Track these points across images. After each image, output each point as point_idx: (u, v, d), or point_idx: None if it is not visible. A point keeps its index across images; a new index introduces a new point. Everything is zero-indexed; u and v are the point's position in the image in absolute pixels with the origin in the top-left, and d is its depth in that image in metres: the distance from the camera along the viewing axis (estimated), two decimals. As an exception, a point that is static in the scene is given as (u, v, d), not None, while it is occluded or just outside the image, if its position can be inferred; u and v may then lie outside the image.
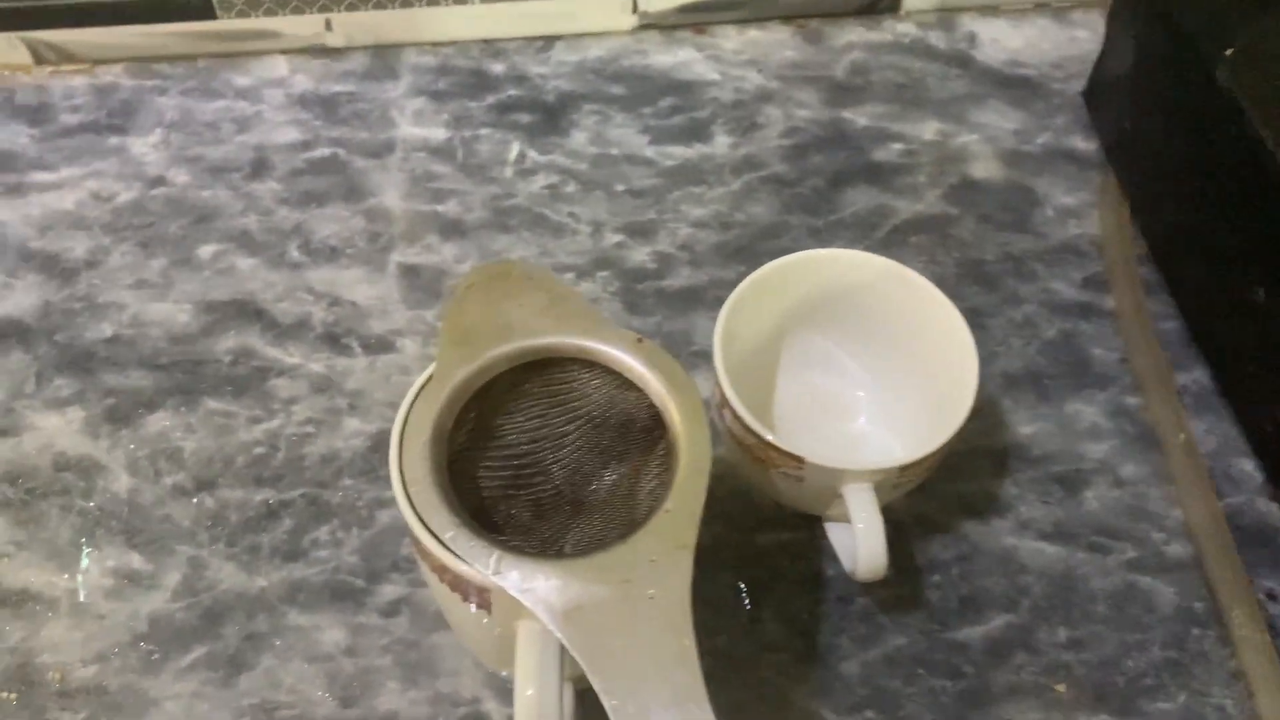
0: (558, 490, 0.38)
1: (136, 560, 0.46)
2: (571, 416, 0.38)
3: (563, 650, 0.33)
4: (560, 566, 0.32)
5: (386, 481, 0.47)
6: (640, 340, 0.37)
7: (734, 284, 0.50)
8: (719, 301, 0.53)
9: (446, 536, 0.33)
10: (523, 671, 0.33)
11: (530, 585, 0.32)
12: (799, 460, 0.41)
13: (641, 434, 0.37)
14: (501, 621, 0.34)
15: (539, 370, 0.38)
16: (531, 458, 0.38)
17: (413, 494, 0.34)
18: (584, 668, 0.31)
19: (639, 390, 0.37)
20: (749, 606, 0.45)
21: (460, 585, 0.34)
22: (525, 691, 0.33)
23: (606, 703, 0.30)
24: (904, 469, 0.41)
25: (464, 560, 0.32)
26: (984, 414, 0.51)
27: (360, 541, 0.46)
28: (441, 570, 0.34)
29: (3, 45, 0.60)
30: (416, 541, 0.34)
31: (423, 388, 0.36)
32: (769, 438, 0.41)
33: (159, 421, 0.49)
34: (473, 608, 0.34)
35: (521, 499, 0.37)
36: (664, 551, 0.33)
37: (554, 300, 0.38)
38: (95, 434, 0.49)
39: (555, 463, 0.38)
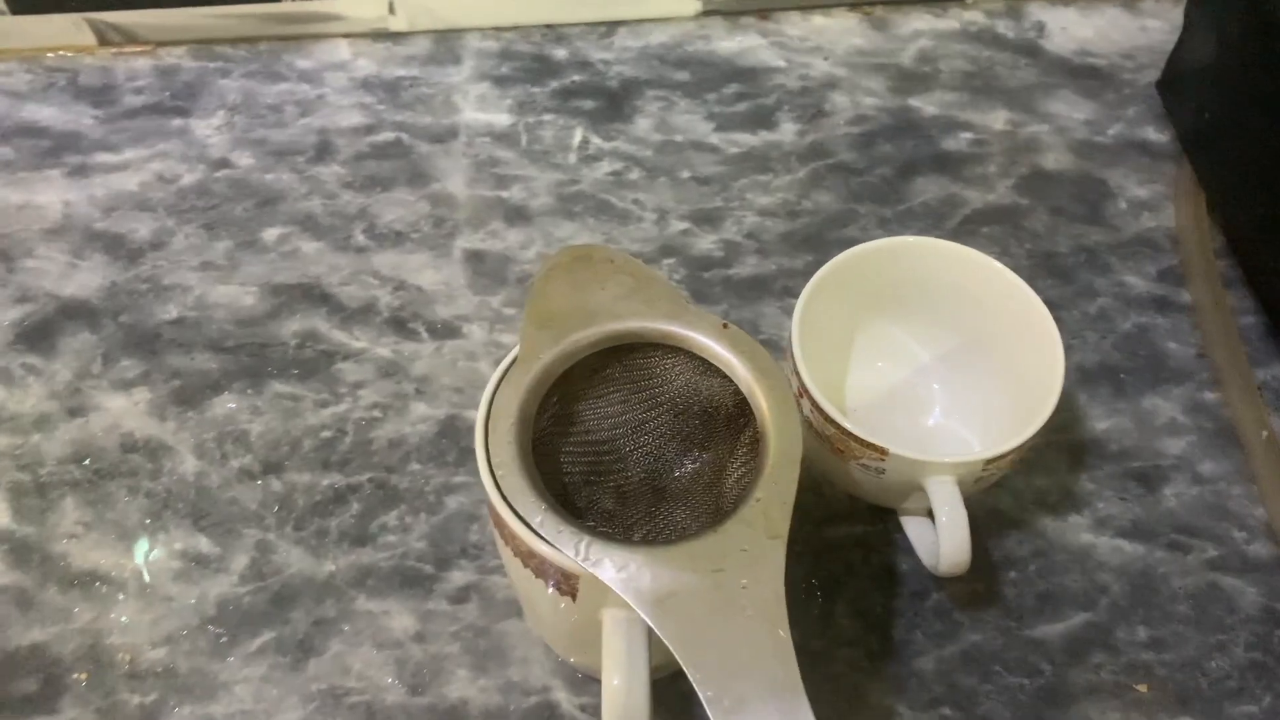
0: (639, 478, 0.37)
1: (204, 543, 0.45)
2: (653, 403, 0.37)
3: (648, 639, 0.33)
4: (650, 554, 0.32)
5: (455, 467, 0.47)
6: (726, 325, 0.36)
7: (802, 273, 0.49)
8: (787, 291, 0.53)
9: (535, 521, 0.32)
10: (610, 660, 0.33)
11: (621, 572, 0.31)
12: (881, 451, 0.40)
13: (726, 422, 0.37)
14: (585, 609, 0.34)
15: (621, 356, 0.37)
16: (613, 444, 0.37)
17: (499, 478, 0.33)
18: (678, 657, 0.30)
19: (724, 377, 0.36)
20: (820, 600, 0.45)
21: (545, 571, 0.33)
22: (612, 681, 0.32)
23: (702, 693, 0.30)
24: (989, 461, 0.40)
25: (553, 546, 0.32)
26: (1059, 408, 0.49)
27: (429, 527, 0.46)
28: (527, 555, 0.33)
29: (67, 26, 0.60)
30: (502, 526, 0.33)
31: (506, 371, 0.35)
32: (851, 428, 0.40)
33: (225, 404, 0.49)
34: (556, 594, 0.34)
35: (603, 485, 0.37)
36: (756, 541, 0.32)
37: (638, 284, 0.37)
38: (162, 415, 0.49)
39: (636, 449, 0.37)
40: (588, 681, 0.42)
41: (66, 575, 0.44)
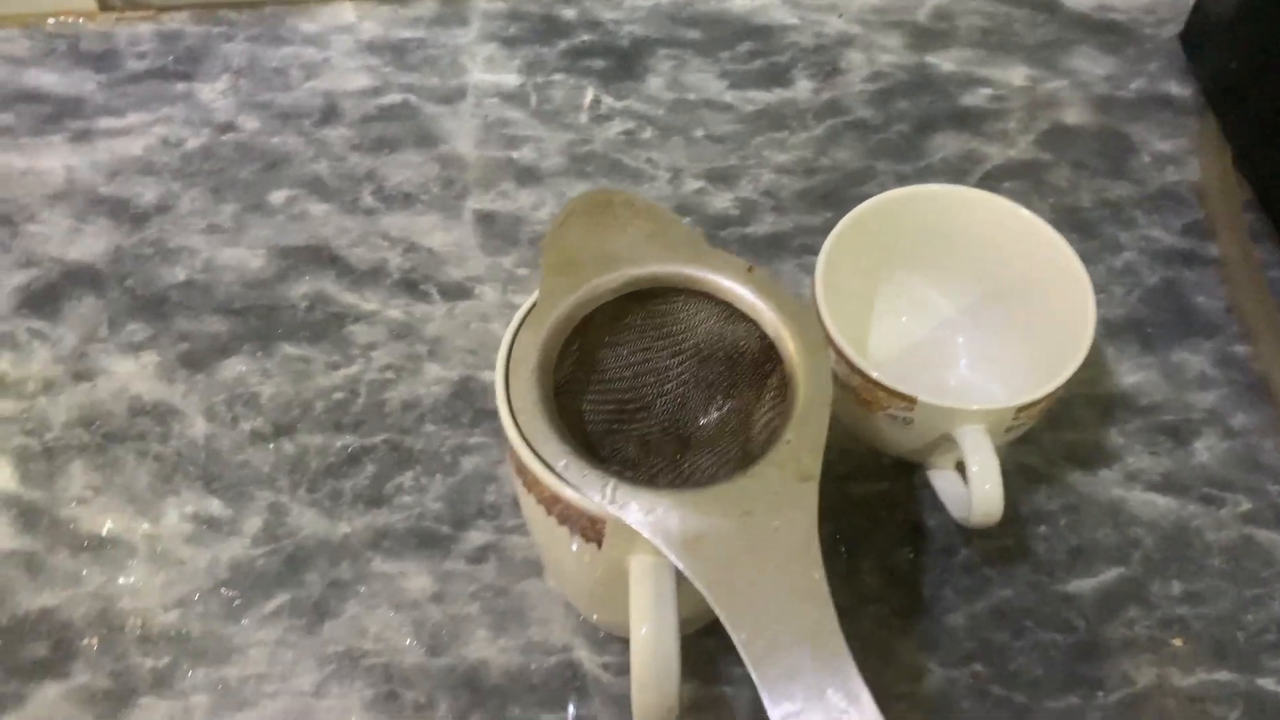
0: (663, 426, 0.36)
1: (216, 506, 0.44)
2: (677, 349, 0.36)
3: (676, 586, 0.32)
4: (678, 497, 0.31)
5: (470, 428, 0.46)
6: (751, 269, 0.35)
7: (820, 230, 0.48)
8: (805, 248, 0.52)
9: (560, 465, 0.31)
10: (638, 608, 0.31)
11: (649, 515, 0.30)
12: (910, 401, 0.39)
13: (752, 367, 0.36)
14: (611, 557, 0.33)
15: (643, 301, 0.36)
16: (635, 392, 0.36)
17: (522, 423, 0.32)
18: (709, 600, 0.29)
19: (750, 321, 0.35)
20: (846, 557, 0.44)
21: (571, 517, 0.32)
22: (640, 629, 0.31)
23: (735, 636, 0.29)
24: (1020, 409, 0.39)
25: (578, 490, 0.31)
26: (1086, 362, 0.48)
27: (445, 488, 0.45)
28: (551, 502, 0.32)
29: (68, -9, 0.59)
30: (525, 472, 0.32)
31: (526, 316, 0.34)
32: (879, 377, 0.39)
33: (235, 366, 0.48)
34: (580, 543, 0.33)
35: (626, 434, 0.36)
36: (787, 483, 0.31)
37: (659, 228, 0.36)
38: (170, 379, 0.48)
39: (660, 397, 0.36)
40: (610, 640, 0.41)
41: (76, 539, 0.43)
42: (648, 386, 0.36)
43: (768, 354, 0.35)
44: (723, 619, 0.29)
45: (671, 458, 0.35)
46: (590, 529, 0.32)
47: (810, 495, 0.31)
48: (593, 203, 0.37)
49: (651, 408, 0.36)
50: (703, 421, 0.36)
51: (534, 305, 0.35)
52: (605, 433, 0.35)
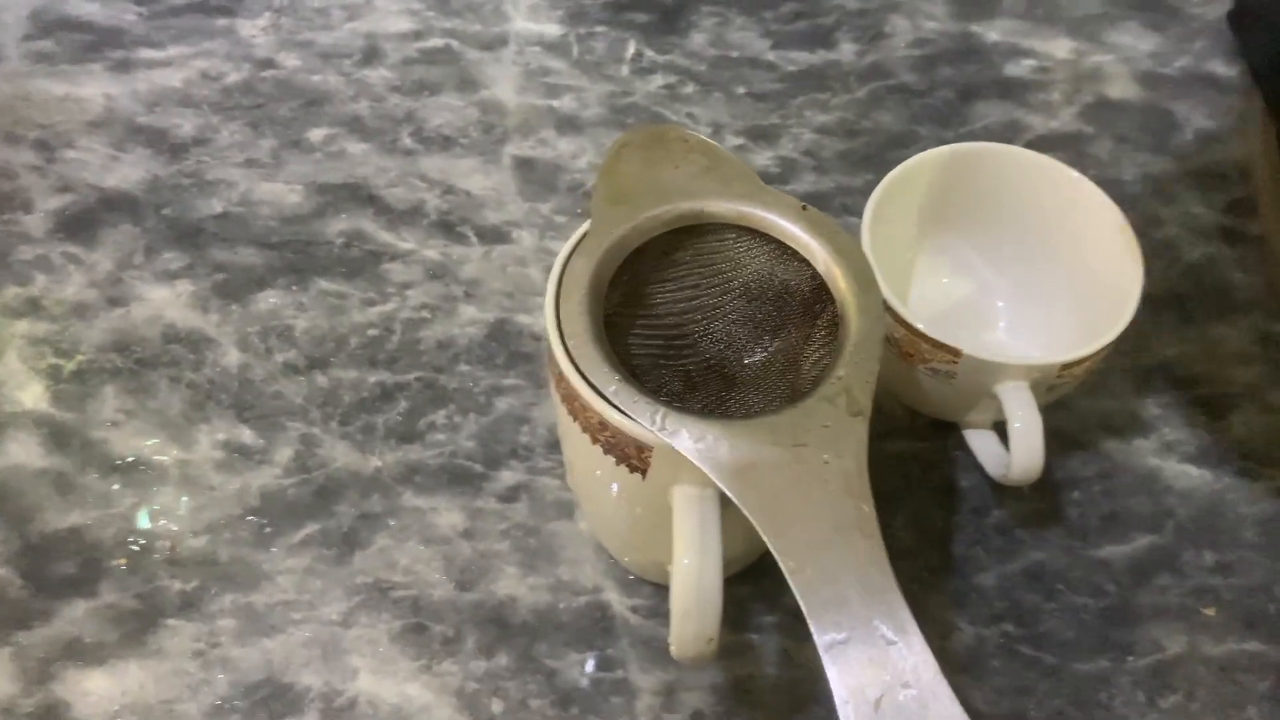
0: (710, 363, 0.36)
1: (247, 435, 0.44)
2: (726, 286, 0.36)
3: (720, 518, 0.32)
4: (728, 426, 0.31)
5: (504, 369, 0.46)
6: (805, 207, 0.35)
7: (861, 191, 0.48)
8: (845, 209, 0.52)
9: (609, 390, 0.31)
10: (682, 539, 0.31)
11: (699, 443, 0.30)
12: (954, 354, 0.39)
13: (801, 306, 0.35)
14: (655, 487, 0.32)
15: (693, 237, 0.36)
16: (683, 329, 0.36)
17: (572, 348, 0.32)
18: (759, 528, 0.29)
19: (801, 260, 0.35)
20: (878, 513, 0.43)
21: (617, 445, 0.32)
22: (683, 560, 0.31)
23: (783, 564, 0.29)
24: (1064, 367, 0.39)
25: (628, 415, 0.31)
26: (1125, 333, 0.48)
27: (478, 427, 0.45)
28: (599, 429, 0.32)
29: (112, -79, 0.59)
30: (573, 399, 0.32)
31: (578, 245, 0.34)
32: (924, 329, 0.39)
33: (269, 299, 0.48)
34: (625, 473, 0.33)
35: (672, 369, 0.35)
36: (838, 418, 0.31)
37: (712, 164, 0.36)
38: (205, 308, 0.47)
39: (708, 335, 0.36)
40: (640, 583, 0.41)
41: (107, 461, 0.43)
42: (695, 323, 0.36)
43: (818, 293, 0.35)
44: (771, 547, 0.29)
45: (717, 394, 0.35)
46: (636, 457, 0.32)
47: (861, 430, 0.31)
48: (648, 136, 0.37)
49: (698, 344, 0.36)
50: (749, 360, 0.36)
51: (585, 234, 0.34)
52: (651, 367, 0.35)
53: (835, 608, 0.28)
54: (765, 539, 0.29)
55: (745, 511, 0.29)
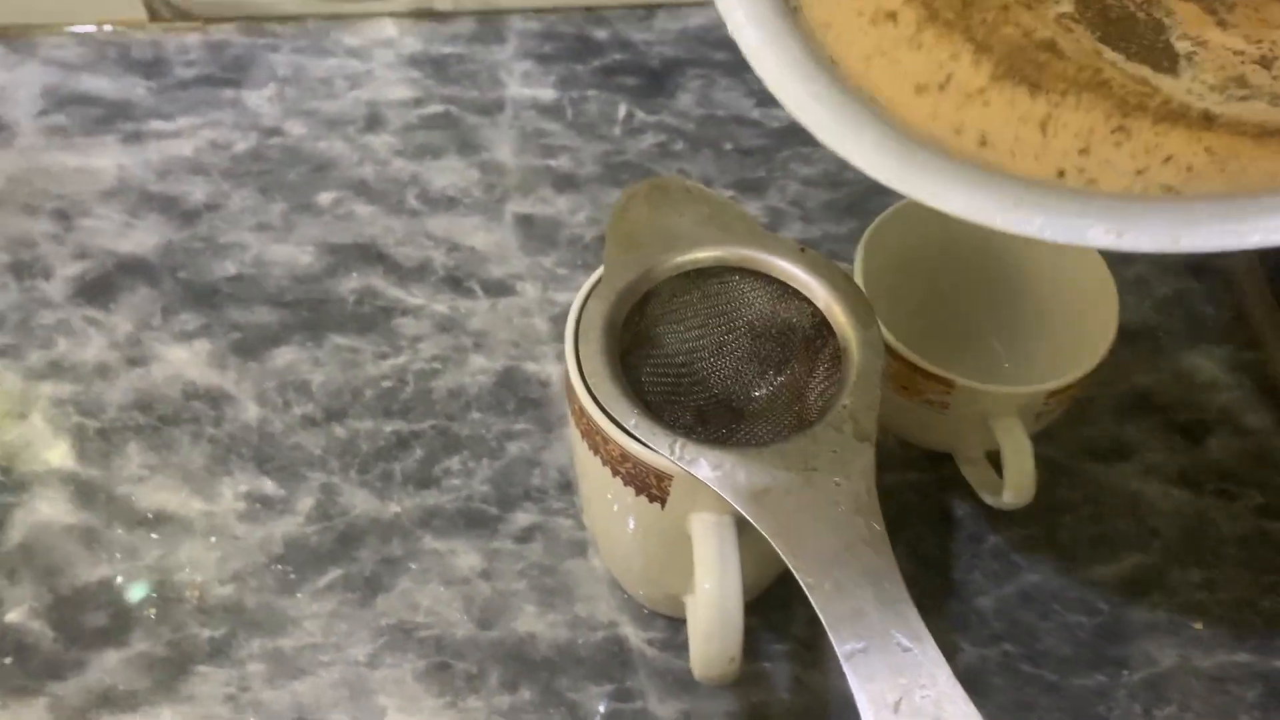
0: (719, 397, 0.38)
1: (269, 485, 0.46)
2: (731, 326, 0.38)
3: (739, 545, 0.34)
4: (743, 454, 0.32)
5: (514, 415, 0.48)
6: (803, 249, 0.37)
7: (847, 239, 0.50)
8: (833, 255, 0.53)
9: (629, 423, 0.33)
10: (703, 564, 0.33)
11: (716, 470, 0.32)
12: (948, 384, 0.41)
13: (804, 342, 0.38)
14: (674, 516, 0.34)
15: (699, 280, 0.38)
16: (691, 366, 0.38)
17: (592, 384, 0.34)
18: (777, 548, 0.31)
19: (802, 298, 0.37)
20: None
21: (638, 475, 0.34)
22: (704, 584, 0.33)
23: (802, 580, 0.30)
24: (1051, 394, 0.41)
25: (648, 446, 0.33)
26: (1102, 365, 0.51)
27: (491, 471, 0.46)
28: (620, 460, 0.34)
29: (120, 1, 0.61)
30: (594, 434, 0.34)
31: (593, 289, 0.36)
32: (917, 361, 0.41)
33: (285, 355, 0.50)
34: (644, 503, 0.35)
35: (683, 404, 0.37)
36: (845, 443, 0.33)
37: (714, 212, 0.38)
38: (223, 365, 0.49)
39: (716, 371, 0.38)
40: (655, 617, 0.43)
41: (133, 515, 0.45)
42: (704, 361, 0.38)
43: (819, 329, 0.37)
44: (790, 565, 0.31)
45: (728, 426, 0.37)
46: (656, 486, 0.34)
47: (868, 453, 0.33)
48: (653, 188, 0.39)
49: (707, 381, 0.38)
50: (757, 394, 0.38)
51: (598, 280, 0.37)
52: (664, 403, 0.37)
53: (853, 619, 0.30)
54: (783, 557, 0.31)
55: (763, 532, 0.31)
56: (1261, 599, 0.45)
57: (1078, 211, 0.24)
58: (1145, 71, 0.26)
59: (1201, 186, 0.23)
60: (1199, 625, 0.44)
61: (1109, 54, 0.27)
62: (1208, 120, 0.24)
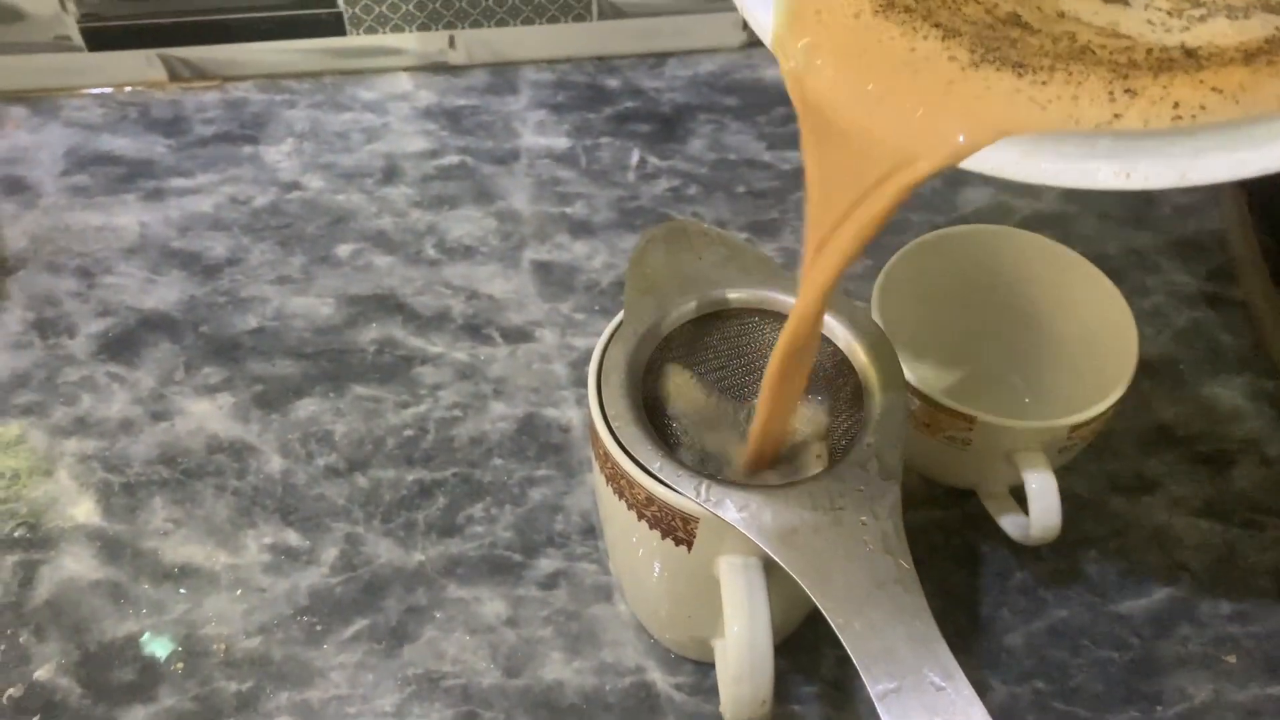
0: (742, 440, 0.38)
1: (293, 537, 0.46)
2: (751, 367, 0.38)
3: (766, 585, 0.33)
4: (769, 494, 0.32)
5: (536, 461, 0.48)
6: (822, 290, 0.38)
7: (861, 276, 0.50)
8: (848, 292, 0.54)
9: (654, 467, 0.33)
10: (731, 605, 0.33)
11: (742, 511, 0.32)
12: (970, 420, 0.41)
13: (825, 381, 0.38)
14: (700, 558, 0.34)
15: (719, 321, 0.38)
16: (713, 408, 0.38)
17: (616, 429, 0.34)
18: (806, 588, 0.31)
19: (824, 338, 0.37)
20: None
21: (663, 519, 0.34)
22: (733, 628, 0.33)
23: (833, 621, 0.30)
24: (1074, 429, 0.41)
25: (674, 489, 0.33)
26: (1124, 398, 0.51)
27: (514, 518, 0.46)
28: (645, 504, 0.34)
29: (140, 62, 0.62)
30: (619, 477, 0.34)
31: (614, 333, 0.36)
32: (939, 398, 0.41)
33: (308, 406, 0.50)
34: (670, 546, 0.34)
35: (707, 447, 0.37)
36: (871, 481, 0.33)
37: (731, 254, 0.39)
38: (245, 418, 0.49)
39: (738, 412, 0.38)
40: (682, 661, 0.43)
41: (158, 570, 0.45)
42: (726, 402, 0.38)
43: (840, 368, 0.37)
44: (820, 606, 0.30)
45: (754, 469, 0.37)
46: (683, 529, 0.34)
47: (894, 491, 0.33)
48: (670, 231, 0.39)
49: (730, 422, 0.38)
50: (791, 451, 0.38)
51: (619, 325, 0.37)
52: (687, 445, 0.37)
53: (885, 658, 0.30)
54: (813, 597, 0.31)
55: (791, 573, 0.31)
56: (1294, 630, 0.44)
57: (1085, 154, 0.24)
58: (1113, 17, 0.27)
59: (1220, 118, 0.24)
60: (1232, 658, 0.43)
61: (1070, 9, 0.27)
62: (1193, 57, 0.24)
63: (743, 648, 0.32)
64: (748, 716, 0.33)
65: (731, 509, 0.32)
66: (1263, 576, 0.46)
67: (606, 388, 0.35)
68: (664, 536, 0.34)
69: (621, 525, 0.36)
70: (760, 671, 0.32)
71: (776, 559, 0.31)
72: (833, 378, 0.37)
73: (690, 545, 0.34)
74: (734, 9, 0.65)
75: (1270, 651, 0.44)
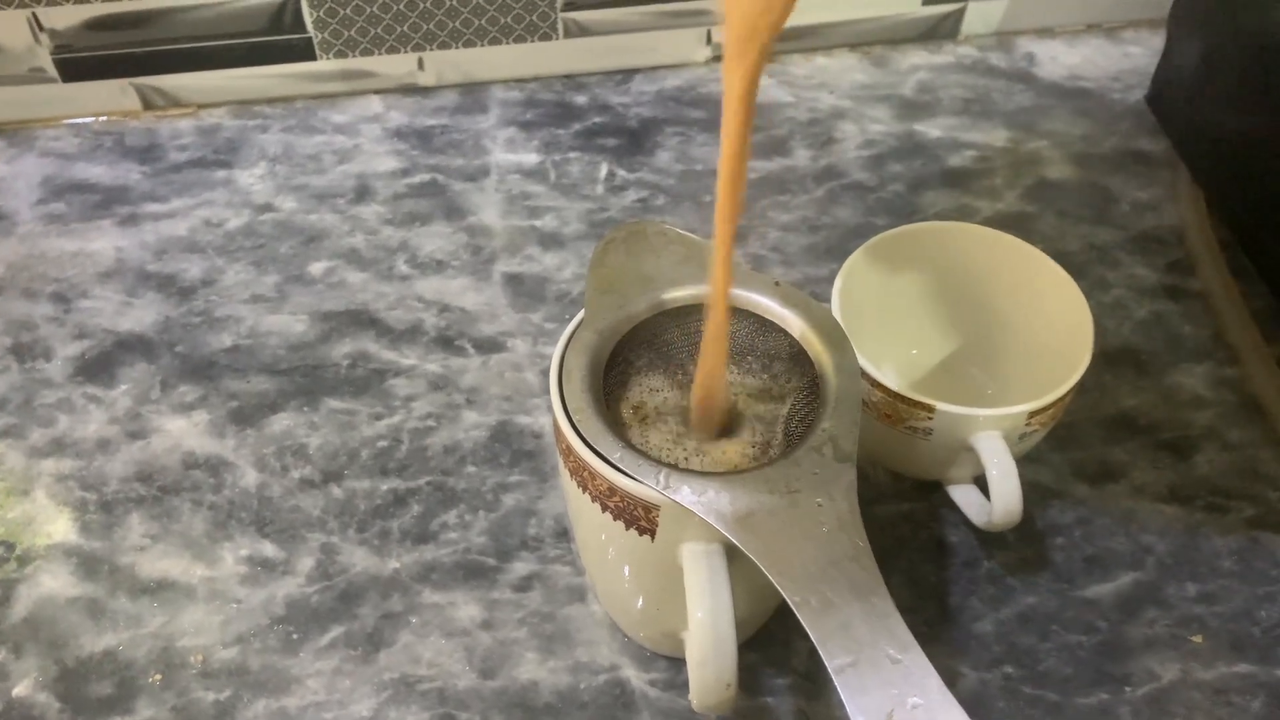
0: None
1: (269, 548, 0.46)
2: (713, 362, 0.39)
3: (729, 571, 0.34)
4: (726, 480, 0.33)
5: (509, 468, 0.48)
6: (777, 283, 0.38)
7: (827, 280, 0.51)
8: (815, 296, 0.55)
9: (615, 457, 0.34)
10: (694, 594, 0.34)
11: (701, 497, 0.33)
12: (929, 409, 0.42)
13: (783, 371, 0.38)
14: (664, 548, 0.35)
15: (678, 318, 0.39)
16: (675, 401, 0.39)
17: (577, 423, 0.35)
18: (764, 569, 0.31)
19: (779, 330, 0.38)
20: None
21: (627, 509, 0.34)
22: (696, 614, 0.33)
23: (790, 600, 0.31)
24: (1032, 414, 0.42)
25: (634, 478, 0.33)
26: (1088, 388, 0.52)
27: (488, 523, 0.47)
28: (607, 495, 0.34)
29: (114, 92, 0.63)
30: (581, 470, 0.35)
31: (574, 332, 0.37)
32: (898, 389, 0.42)
33: (282, 421, 0.50)
34: (634, 536, 0.35)
35: (668, 438, 0.38)
36: (826, 465, 0.34)
37: (690, 253, 0.40)
38: (221, 434, 0.50)
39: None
40: (655, 658, 0.43)
41: (135, 584, 0.45)
42: (687, 394, 0.39)
43: (797, 358, 0.38)
44: (777, 585, 0.31)
45: (712, 457, 0.38)
46: (645, 518, 0.34)
47: (849, 473, 0.33)
48: (630, 232, 0.40)
49: (691, 414, 0.39)
50: (741, 422, 0.39)
51: (580, 323, 0.38)
52: (648, 438, 0.38)
53: (841, 633, 0.30)
54: (770, 577, 0.31)
55: (749, 554, 0.32)
56: (1258, 609, 0.45)
57: None
58: None
59: None
60: (1198, 638, 0.44)
61: None
62: None
63: (705, 630, 0.33)
64: (714, 701, 0.34)
65: (690, 494, 0.33)
66: (1226, 558, 0.46)
67: (568, 383, 0.36)
68: (628, 527, 0.35)
69: (588, 520, 0.37)
70: (723, 654, 0.33)
71: (735, 541, 0.32)
72: (791, 367, 0.38)
73: (654, 534, 0.35)
74: (698, 24, 0.66)
75: (1235, 630, 0.44)
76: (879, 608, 0.31)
